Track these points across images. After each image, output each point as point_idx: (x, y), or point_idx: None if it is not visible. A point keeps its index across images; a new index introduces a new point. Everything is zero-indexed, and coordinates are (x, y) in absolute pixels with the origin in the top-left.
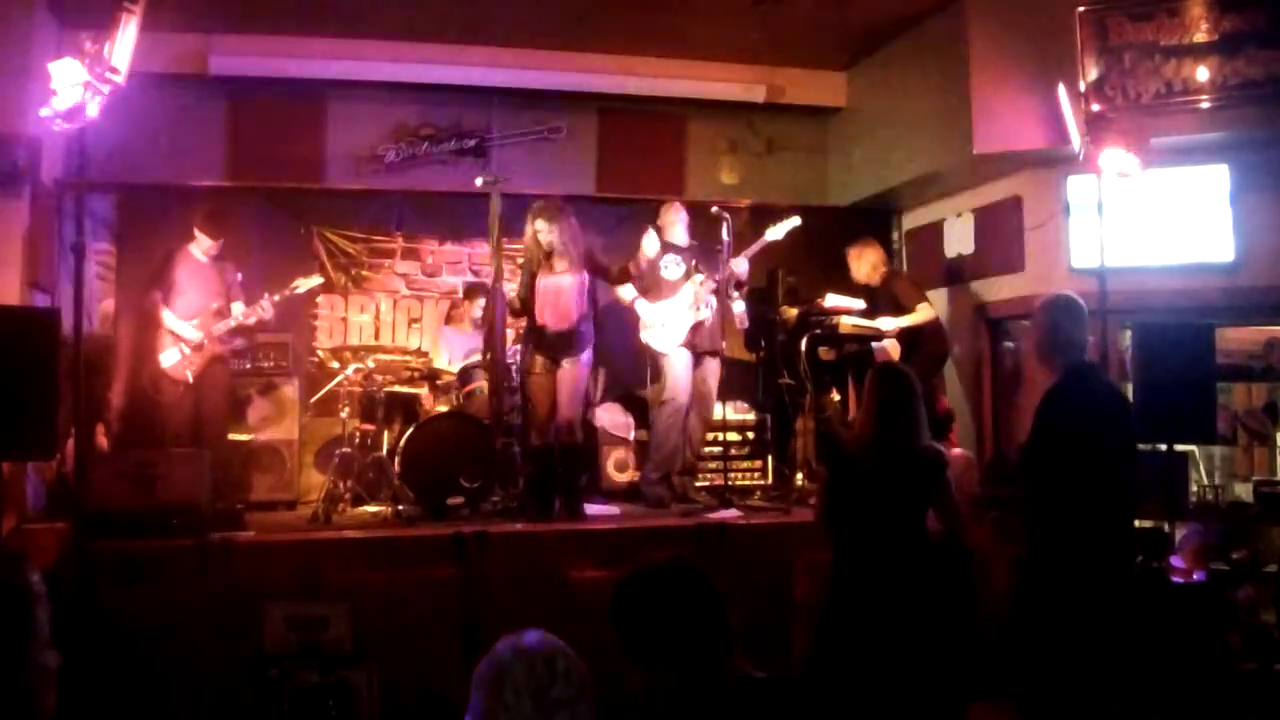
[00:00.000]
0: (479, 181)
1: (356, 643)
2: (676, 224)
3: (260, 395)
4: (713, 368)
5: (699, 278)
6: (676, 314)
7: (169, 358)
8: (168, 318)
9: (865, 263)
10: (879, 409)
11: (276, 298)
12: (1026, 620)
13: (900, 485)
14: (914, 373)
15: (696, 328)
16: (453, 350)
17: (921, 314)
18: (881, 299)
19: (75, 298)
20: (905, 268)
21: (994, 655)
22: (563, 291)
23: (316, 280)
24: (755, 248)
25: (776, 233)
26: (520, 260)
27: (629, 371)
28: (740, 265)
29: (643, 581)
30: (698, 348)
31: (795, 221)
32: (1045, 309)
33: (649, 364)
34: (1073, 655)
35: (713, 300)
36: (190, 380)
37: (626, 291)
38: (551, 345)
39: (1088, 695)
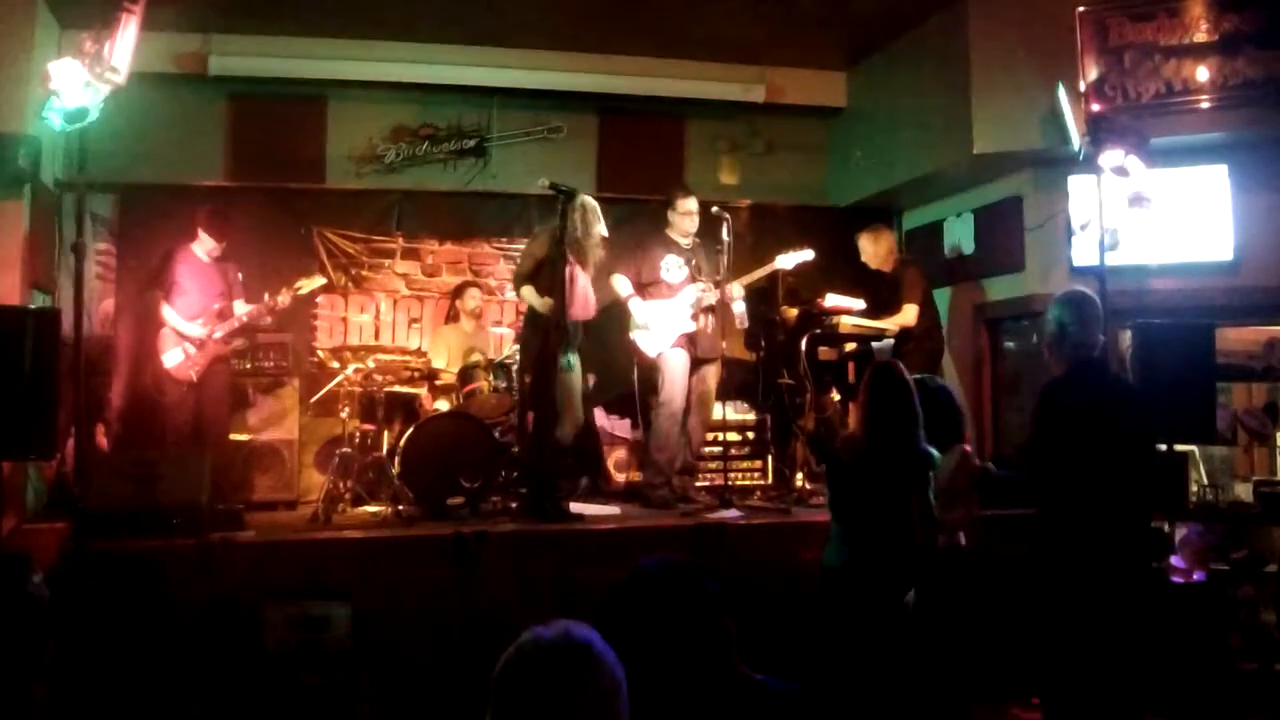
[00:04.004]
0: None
1: (356, 643)
2: (684, 220)
3: (260, 395)
4: (711, 371)
5: (701, 285)
6: (670, 317)
7: (172, 358)
8: (170, 317)
9: (883, 246)
10: (872, 409)
11: (282, 297)
12: (1037, 618)
13: (891, 486)
14: (909, 370)
15: (694, 335)
16: (452, 350)
17: (901, 318)
18: (888, 287)
19: (75, 298)
20: None
21: (998, 656)
22: (585, 284)
23: (319, 281)
24: (762, 272)
25: (786, 261)
26: (539, 240)
27: (618, 373)
28: (735, 292)
29: (635, 584)
30: (696, 354)
31: (808, 255)
32: (1052, 306)
33: (636, 363)
34: (1084, 653)
35: (710, 313)
36: (193, 380)
37: (623, 285)
38: (572, 340)
39: (1102, 693)
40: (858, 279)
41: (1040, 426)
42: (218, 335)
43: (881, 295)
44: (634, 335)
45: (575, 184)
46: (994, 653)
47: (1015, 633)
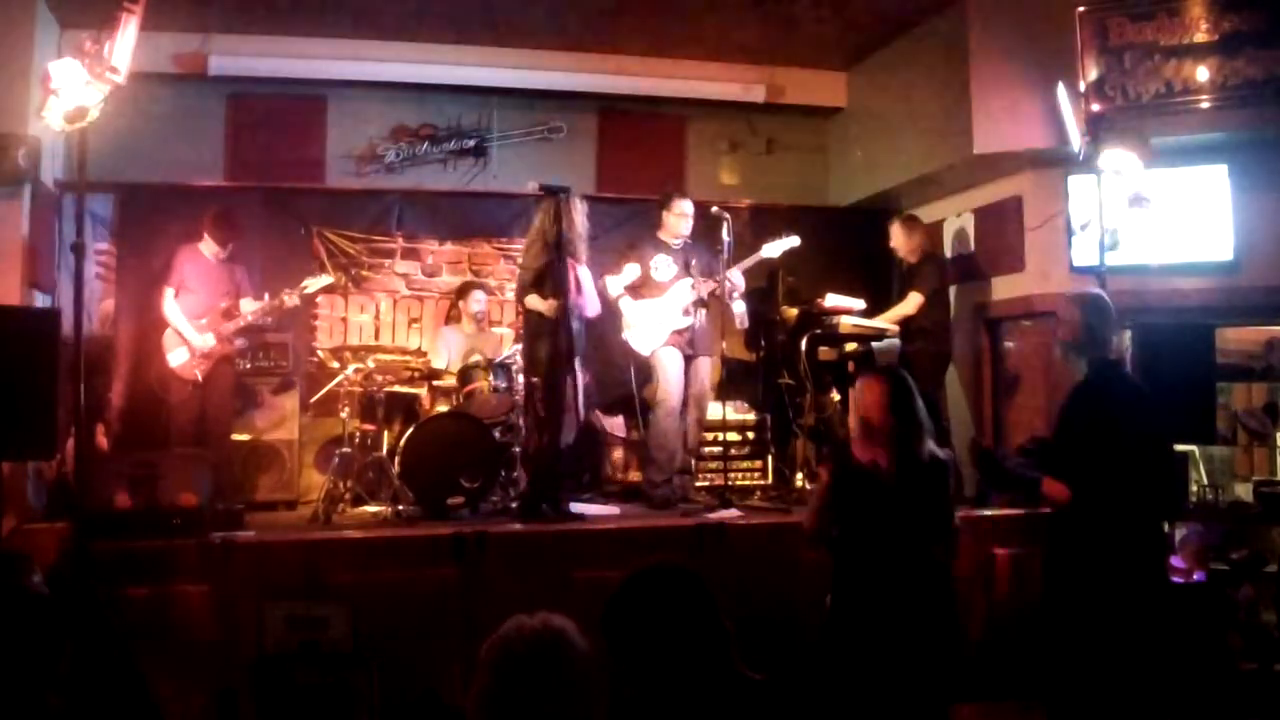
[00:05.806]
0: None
1: (356, 643)
2: (679, 222)
3: (261, 395)
4: (706, 368)
5: (690, 281)
6: (661, 314)
7: (177, 357)
8: (175, 316)
9: (915, 239)
10: (901, 425)
11: (288, 297)
12: (1053, 619)
13: (908, 495)
14: (917, 371)
15: (685, 331)
16: (452, 350)
17: (903, 306)
18: (905, 280)
19: (75, 298)
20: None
21: (988, 656)
22: (589, 280)
23: (326, 280)
24: (750, 261)
25: (773, 250)
26: (533, 249)
27: (615, 373)
28: (735, 278)
29: (633, 587)
30: (689, 350)
31: (794, 241)
32: (1075, 305)
33: (631, 363)
34: (1101, 655)
35: (703, 307)
36: (198, 379)
37: (614, 286)
38: (577, 337)
39: (1117, 696)
40: (859, 278)
41: (1069, 427)
42: (223, 334)
43: (904, 289)
44: (626, 335)
45: (575, 184)
46: (991, 652)
47: (1016, 632)
